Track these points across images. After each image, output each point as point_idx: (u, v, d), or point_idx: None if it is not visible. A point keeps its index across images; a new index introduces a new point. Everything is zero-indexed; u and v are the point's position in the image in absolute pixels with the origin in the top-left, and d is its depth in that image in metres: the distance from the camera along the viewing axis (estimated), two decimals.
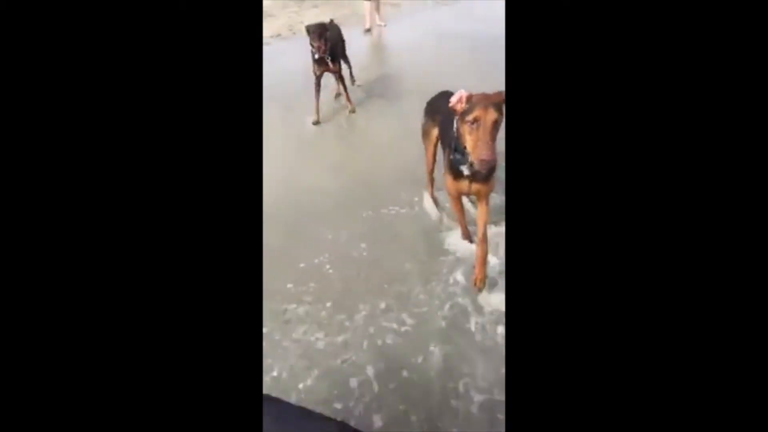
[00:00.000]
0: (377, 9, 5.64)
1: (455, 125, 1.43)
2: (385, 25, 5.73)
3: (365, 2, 5.55)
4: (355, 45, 4.28)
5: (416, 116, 2.08)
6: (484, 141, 1.24)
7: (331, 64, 3.04)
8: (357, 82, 3.75)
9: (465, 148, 1.37)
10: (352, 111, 3.27)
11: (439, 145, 1.92)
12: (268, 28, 5.89)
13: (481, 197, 1.61)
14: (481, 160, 1.25)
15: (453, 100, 1.34)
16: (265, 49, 4.69)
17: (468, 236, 1.85)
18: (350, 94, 3.31)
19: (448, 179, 1.62)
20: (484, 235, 1.62)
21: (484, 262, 1.63)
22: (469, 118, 1.26)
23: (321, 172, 2.59)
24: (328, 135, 3.12)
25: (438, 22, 5.83)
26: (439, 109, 1.84)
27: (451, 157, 1.52)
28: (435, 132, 1.91)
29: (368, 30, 5.65)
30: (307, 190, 2.42)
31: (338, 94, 3.42)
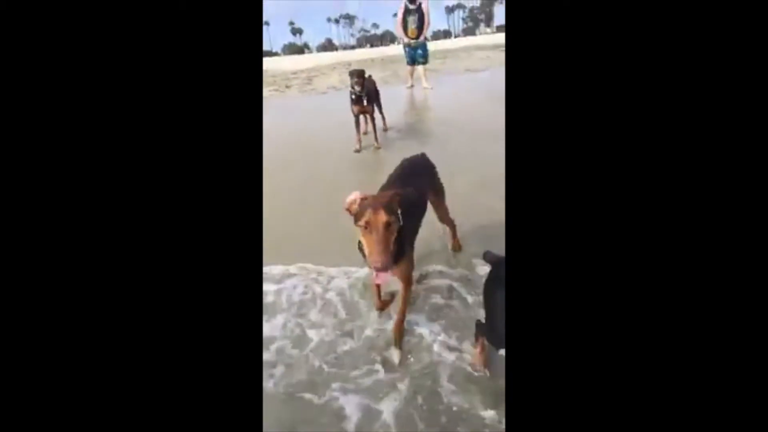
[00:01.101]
0: (424, 74, 6.46)
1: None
2: (431, 88, 6.46)
3: (407, 66, 6.54)
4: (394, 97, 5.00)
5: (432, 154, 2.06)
6: (377, 247, 1.18)
7: (366, 104, 3.84)
8: (387, 128, 4.50)
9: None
10: (378, 147, 3.98)
11: None
12: (323, 83, 7.30)
13: (402, 280, 1.53)
14: (375, 267, 1.18)
15: (347, 201, 1.28)
16: (322, 98, 6.27)
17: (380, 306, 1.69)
18: (380, 135, 4.04)
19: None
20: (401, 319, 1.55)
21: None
22: (361, 222, 1.22)
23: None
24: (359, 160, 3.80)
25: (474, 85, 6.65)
26: (392, 177, 1.74)
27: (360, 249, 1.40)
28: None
29: (410, 86, 6.63)
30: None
31: (366, 132, 4.11)
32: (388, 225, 1.23)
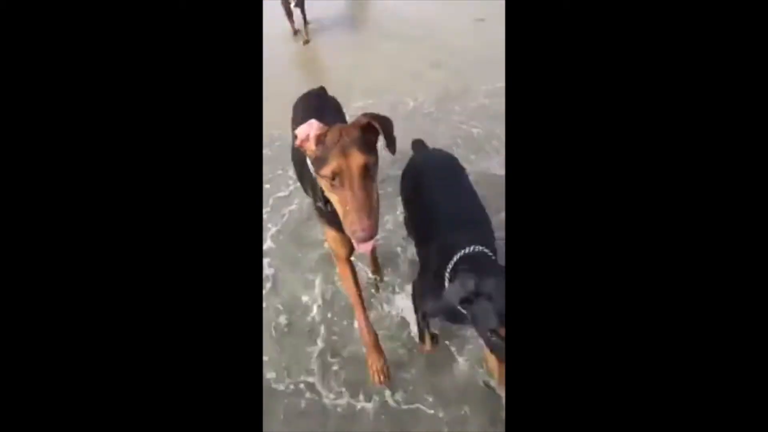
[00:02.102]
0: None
1: (309, 164, 0.95)
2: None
3: None
4: None
5: None
6: (356, 205, 0.80)
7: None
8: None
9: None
10: (306, 42, 3.66)
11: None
12: None
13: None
14: (356, 237, 0.81)
15: (299, 135, 0.87)
16: None
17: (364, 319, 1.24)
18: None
19: (329, 233, 1.11)
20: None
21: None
22: (326, 171, 0.82)
23: None
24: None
25: None
26: (297, 117, 1.34)
27: (318, 204, 1.02)
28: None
29: None
30: None
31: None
32: (366, 170, 0.82)
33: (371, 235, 0.80)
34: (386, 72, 3.06)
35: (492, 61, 2.84)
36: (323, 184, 0.87)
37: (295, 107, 1.42)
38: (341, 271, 1.21)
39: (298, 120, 1.25)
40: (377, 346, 1.22)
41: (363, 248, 0.84)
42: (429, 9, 4.01)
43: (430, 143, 1.65)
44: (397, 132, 0.89)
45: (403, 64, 3.14)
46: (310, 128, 0.86)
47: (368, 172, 0.82)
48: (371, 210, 0.81)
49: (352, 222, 0.80)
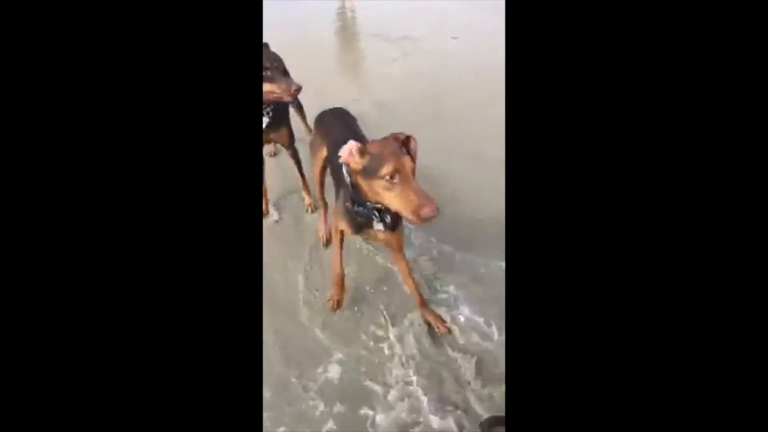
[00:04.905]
0: None
1: (346, 173, 1.21)
2: None
3: None
4: None
5: None
6: (418, 195, 1.04)
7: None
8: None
9: (376, 204, 1.18)
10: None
11: (327, 169, 1.62)
12: None
13: (395, 248, 1.42)
14: (427, 219, 1.03)
15: (343, 155, 1.11)
16: None
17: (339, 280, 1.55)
18: None
19: (342, 224, 1.36)
20: (414, 280, 1.50)
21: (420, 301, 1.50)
22: (384, 173, 1.05)
23: None
24: None
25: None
26: (330, 131, 1.56)
27: (348, 205, 1.27)
28: (323, 153, 1.59)
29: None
30: None
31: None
32: (414, 170, 1.08)
33: (436, 213, 1.02)
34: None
35: None
36: (376, 186, 1.09)
37: (323, 122, 1.64)
38: (334, 239, 1.48)
39: (326, 132, 1.56)
40: (340, 282, 1.52)
41: (430, 215, 1.04)
42: None
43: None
44: None
45: None
46: (351, 146, 1.11)
47: (414, 171, 1.09)
48: (428, 194, 1.05)
49: (421, 205, 1.03)
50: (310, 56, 3.14)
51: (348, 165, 1.14)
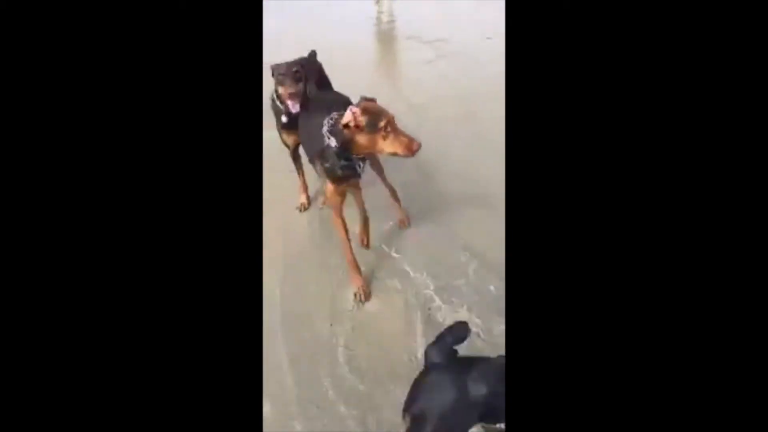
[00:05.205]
0: None
1: (327, 135, 1.45)
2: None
3: None
4: None
5: None
6: (407, 137, 1.37)
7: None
8: None
9: (359, 156, 1.47)
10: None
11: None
12: None
13: (357, 191, 1.74)
14: (416, 151, 1.37)
15: (348, 119, 1.35)
16: None
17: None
18: None
19: (330, 189, 1.59)
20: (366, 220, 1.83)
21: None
22: (382, 125, 1.35)
23: None
24: None
25: None
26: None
27: (327, 165, 1.50)
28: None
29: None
30: None
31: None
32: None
33: (420, 143, 1.36)
34: None
35: None
36: (377, 136, 1.36)
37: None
38: (335, 219, 1.67)
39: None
40: (357, 269, 1.68)
41: (416, 148, 1.37)
42: None
43: None
44: None
45: None
46: (354, 110, 1.35)
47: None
48: (410, 135, 1.38)
49: (411, 141, 1.36)
50: (347, 58, 3.28)
51: (349, 126, 1.37)
